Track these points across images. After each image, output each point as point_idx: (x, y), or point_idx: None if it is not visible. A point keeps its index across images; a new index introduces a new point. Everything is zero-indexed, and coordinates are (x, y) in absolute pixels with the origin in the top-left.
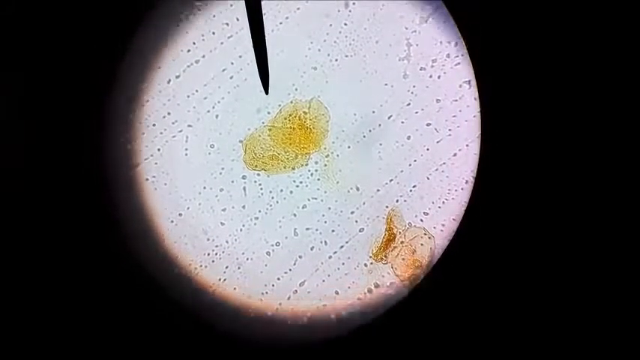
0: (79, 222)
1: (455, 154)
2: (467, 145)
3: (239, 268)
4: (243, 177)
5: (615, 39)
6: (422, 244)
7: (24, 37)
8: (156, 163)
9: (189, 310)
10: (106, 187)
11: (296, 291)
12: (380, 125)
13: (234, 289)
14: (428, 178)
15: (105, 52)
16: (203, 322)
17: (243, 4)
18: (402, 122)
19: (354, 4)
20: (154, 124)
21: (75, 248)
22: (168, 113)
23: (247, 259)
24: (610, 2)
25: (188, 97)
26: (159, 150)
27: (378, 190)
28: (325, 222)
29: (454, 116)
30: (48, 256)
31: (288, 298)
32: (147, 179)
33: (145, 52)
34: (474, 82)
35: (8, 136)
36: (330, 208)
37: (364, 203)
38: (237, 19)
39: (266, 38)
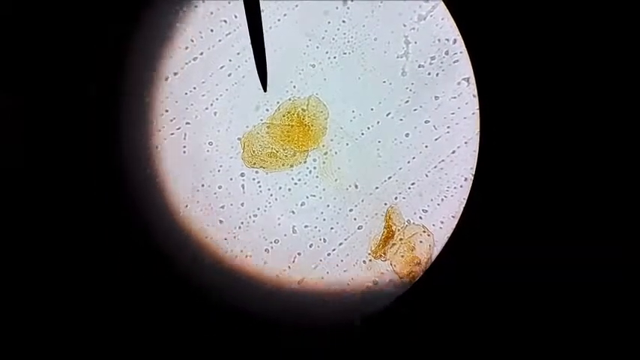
0: (68, 223)
1: (453, 152)
2: (466, 143)
3: None
4: (242, 174)
5: (615, 36)
6: (421, 242)
7: (18, 37)
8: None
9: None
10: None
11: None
12: (378, 122)
13: None
14: (427, 176)
15: (103, 50)
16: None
17: (241, 1)
18: (401, 120)
19: (352, 1)
20: (151, 122)
21: (62, 249)
22: (166, 110)
23: (246, 256)
24: (610, 1)
25: (186, 94)
26: (157, 147)
27: (377, 188)
28: (324, 219)
29: (453, 113)
30: (46, 254)
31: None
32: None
33: (142, 49)
34: (472, 79)
35: (8, 136)
36: (328, 206)
37: (363, 200)
38: (235, 17)
39: (264, 35)
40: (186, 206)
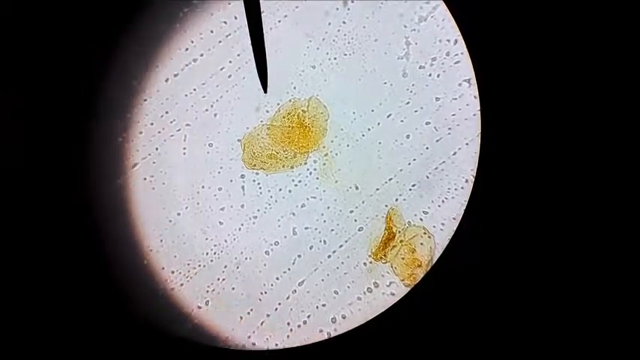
0: (69, 223)
1: (455, 153)
2: (467, 144)
3: (237, 267)
4: (242, 176)
5: (615, 38)
6: (422, 244)
7: (18, 37)
8: (154, 163)
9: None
10: (99, 189)
11: (295, 290)
12: (379, 124)
13: (233, 288)
14: (427, 177)
15: (102, 50)
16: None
17: (241, 2)
18: (402, 121)
19: (352, 2)
20: (151, 123)
21: (64, 249)
22: (166, 112)
23: (246, 258)
24: (610, 1)
25: (186, 95)
26: (157, 149)
27: (378, 189)
28: (324, 221)
29: (454, 115)
30: (44, 254)
31: (287, 298)
32: (144, 179)
33: (142, 50)
34: (473, 80)
35: (8, 136)
36: (329, 207)
37: (363, 202)
38: (236, 18)
39: (264, 36)
40: (186, 208)
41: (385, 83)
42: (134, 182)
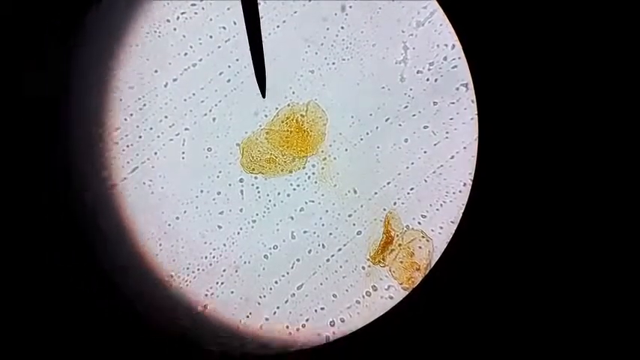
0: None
1: (452, 157)
2: (464, 148)
3: (236, 271)
4: (241, 180)
5: (614, 42)
6: (420, 247)
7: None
8: (152, 167)
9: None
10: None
11: (294, 294)
12: (377, 128)
13: (232, 292)
14: (425, 181)
15: (98, 52)
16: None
17: (240, 7)
18: (400, 125)
19: (350, 7)
20: (150, 128)
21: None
22: (165, 117)
23: (245, 262)
24: (609, 3)
25: (185, 100)
26: (155, 153)
27: (376, 193)
28: (323, 225)
29: (451, 119)
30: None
31: (286, 302)
32: (143, 183)
33: (139, 52)
34: (471, 85)
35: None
36: (327, 211)
37: (362, 206)
38: (235, 23)
39: (263, 41)
40: (185, 212)
41: (383, 88)
42: (133, 186)
